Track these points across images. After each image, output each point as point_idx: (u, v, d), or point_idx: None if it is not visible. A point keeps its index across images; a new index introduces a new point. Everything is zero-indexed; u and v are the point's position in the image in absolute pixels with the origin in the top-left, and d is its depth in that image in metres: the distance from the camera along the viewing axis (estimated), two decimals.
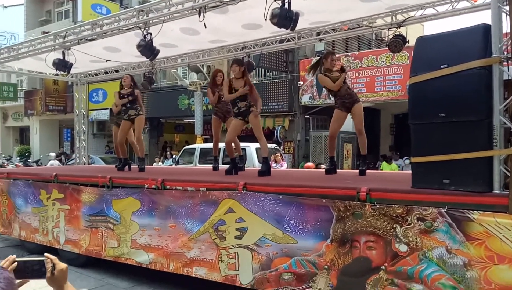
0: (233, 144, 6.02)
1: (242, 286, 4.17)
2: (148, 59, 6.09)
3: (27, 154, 22.66)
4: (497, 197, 3.02)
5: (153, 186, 4.97)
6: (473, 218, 3.00)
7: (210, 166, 7.13)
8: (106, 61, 7.81)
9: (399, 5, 5.62)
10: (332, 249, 3.63)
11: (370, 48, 15.09)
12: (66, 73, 7.30)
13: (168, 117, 18.84)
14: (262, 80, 15.22)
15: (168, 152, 15.22)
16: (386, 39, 6.66)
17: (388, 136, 16.19)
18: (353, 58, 12.99)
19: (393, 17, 5.96)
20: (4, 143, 26.42)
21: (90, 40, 6.34)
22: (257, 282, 4.05)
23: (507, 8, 3.12)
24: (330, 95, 5.57)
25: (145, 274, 5.30)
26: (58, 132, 24.49)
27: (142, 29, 5.43)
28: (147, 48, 5.48)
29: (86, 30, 6.31)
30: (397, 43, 5.99)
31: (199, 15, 4.86)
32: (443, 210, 3.11)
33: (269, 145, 9.36)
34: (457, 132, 3.19)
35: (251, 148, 9.92)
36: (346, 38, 11.75)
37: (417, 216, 3.22)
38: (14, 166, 16.15)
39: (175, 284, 5.04)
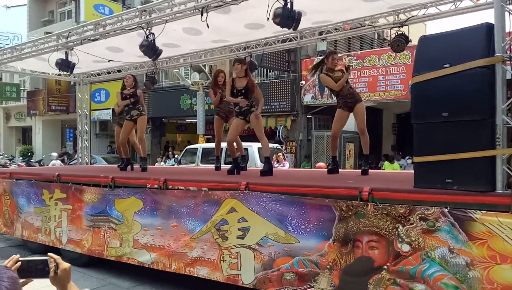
0: (235, 144, 6.01)
1: (244, 286, 4.16)
2: (150, 59, 6.10)
3: (29, 154, 22.72)
4: (499, 197, 3.01)
5: (156, 186, 4.98)
6: (476, 217, 3.00)
7: (212, 166, 7.14)
8: (109, 61, 7.82)
9: (402, 4, 5.61)
10: (334, 248, 3.63)
11: (372, 48, 15.07)
12: (69, 73, 7.32)
13: (170, 117, 18.85)
14: (264, 80, 15.22)
15: (170, 152, 15.24)
16: (389, 39, 6.64)
17: (390, 135, 16.16)
18: (355, 58, 12.97)
19: (396, 16, 5.95)
20: (7, 143, 26.51)
21: (93, 40, 6.36)
22: (259, 282, 4.05)
23: (510, 7, 3.11)
24: (332, 95, 5.56)
25: (147, 274, 5.31)
26: (61, 132, 24.54)
27: (145, 29, 5.44)
28: (150, 48, 5.49)
29: (89, 30, 6.33)
30: (400, 43, 5.98)
31: (202, 15, 4.87)
32: (446, 210, 3.11)
33: (271, 145, 9.37)
34: (460, 132, 3.18)
35: (253, 148, 9.92)
36: (348, 37, 11.73)
37: (420, 215, 3.21)
38: (16, 166, 16.18)
39: (177, 284, 5.05)
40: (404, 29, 6.07)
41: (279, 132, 14.30)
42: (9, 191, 6.87)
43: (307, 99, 13.91)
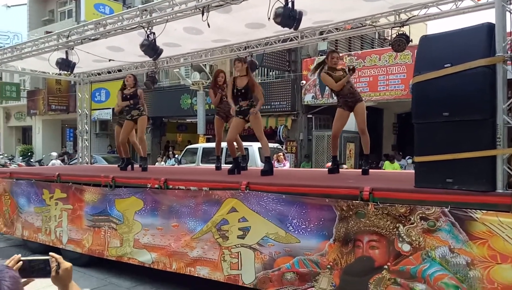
0: (235, 144, 6.01)
1: (245, 285, 4.16)
2: (151, 59, 6.10)
3: (29, 153, 22.73)
4: (500, 197, 3.01)
5: (156, 186, 4.98)
6: (476, 217, 3.00)
7: (212, 166, 7.14)
8: (109, 60, 7.82)
9: (403, 4, 5.61)
10: (335, 248, 3.63)
11: (373, 47, 15.07)
12: (69, 72, 7.32)
13: (170, 117, 18.86)
14: (264, 80, 15.21)
15: (171, 152, 15.24)
16: (389, 38, 6.64)
17: (390, 135, 16.16)
18: (356, 58, 12.97)
19: (397, 16, 5.95)
20: (7, 143, 26.52)
21: (94, 39, 6.36)
22: (260, 282, 4.05)
23: (511, 7, 3.11)
24: (333, 94, 5.57)
25: (148, 274, 5.31)
26: (61, 132, 24.55)
27: (146, 29, 5.44)
28: (151, 48, 5.49)
29: (89, 29, 6.33)
30: (400, 42, 5.98)
31: (203, 14, 4.87)
32: (446, 210, 3.11)
33: (271, 145, 9.37)
34: (461, 131, 3.18)
35: (254, 147, 9.92)
36: (349, 37, 11.75)
37: (420, 215, 3.21)
38: (16, 165, 16.18)
39: (178, 283, 5.05)
40: (405, 29, 6.07)
41: (279, 131, 14.30)
42: (9, 191, 6.87)
43: (308, 98, 13.91)
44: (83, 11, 18.32)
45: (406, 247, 3.28)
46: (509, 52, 3.11)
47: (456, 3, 5.48)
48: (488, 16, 3.73)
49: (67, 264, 1.51)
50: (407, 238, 3.27)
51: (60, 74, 9.39)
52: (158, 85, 13.48)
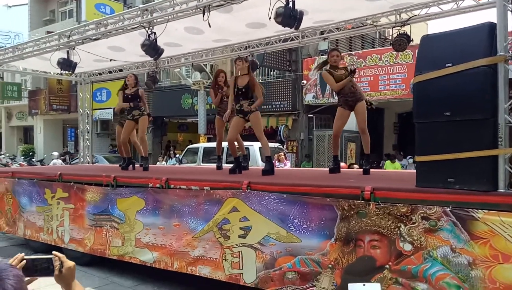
0: (236, 143, 6.02)
1: (246, 285, 4.17)
2: (152, 59, 6.10)
3: (31, 153, 22.76)
4: (502, 196, 3.01)
5: (157, 185, 4.98)
6: (478, 217, 2.99)
7: (213, 165, 7.14)
8: (110, 60, 7.83)
9: (404, 3, 5.60)
10: (336, 248, 3.63)
11: (374, 47, 15.06)
12: (70, 72, 7.33)
13: (171, 117, 18.87)
14: (265, 79, 15.22)
15: (172, 152, 15.25)
16: (390, 38, 6.65)
17: (391, 135, 16.16)
18: (356, 57, 12.96)
19: (397, 15, 5.95)
20: (8, 143, 26.55)
21: (95, 39, 6.37)
22: (261, 281, 4.05)
23: None
24: (334, 94, 5.56)
25: (150, 273, 5.32)
26: (62, 132, 24.58)
27: (147, 29, 5.44)
28: (152, 48, 5.49)
29: (90, 29, 6.34)
30: (401, 42, 5.98)
31: (204, 14, 4.87)
32: (448, 209, 3.11)
33: (272, 144, 9.37)
34: (462, 131, 3.18)
35: (255, 147, 9.92)
36: (350, 37, 11.74)
37: (422, 215, 3.21)
38: (18, 165, 16.21)
39: (179, 283, 5.06)
40: (406, 29, 6.06)
41: (280, 131, 14.30)
42: (11, 190, 6.88)
43: (309, 98, 13.91)
44: (84, 11, 18.35)
45: (407, 247, 3.28)
46: (510, 51, 3.11)
47: (457, 2, 5.47)
48: (489, 15, 3.73)
49: (70, 263, 1.52)
50: (408, 238, 3.27)
51: (61, 74, 9.41)
52: (159, 85, 13.51)
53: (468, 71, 3.12)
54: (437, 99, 3.31)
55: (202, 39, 6.66)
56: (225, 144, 6.82)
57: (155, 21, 5.46)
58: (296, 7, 4.31)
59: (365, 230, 3.48)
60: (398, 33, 6.03)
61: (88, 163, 10.15)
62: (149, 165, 7.31)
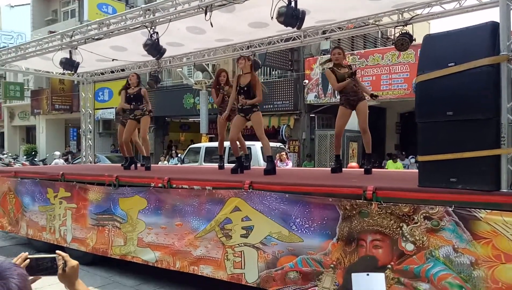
0: (238, 143, 6.02)
1: (248, 284, 4.17)
2: (154, 58, 6.11)
3: (33, 153, 22.81)
4: (504, 196, 3.01)
5: (159, 185, 4.99)
6: (480, 217, 2.99)
7: (215, 165, 7.14)
8: (113, 60, 7.84)
9: (406, 3, 5.60)
10: (338, 247, 3.63)
11: (376, 47, 15.05)
12: (72, 72, 7.34)
13: (173, 116, 18.90)
14: (267, 79, 15.22)
15: (174, 151, 15.27)
16: (392, 37, 6.63)
17: (393, 134, 16.14)
18: (359, 57, 12.96)
19: (400, 15, 5.93)
20: (11, 142, 26.62)
21: (97, 39, 6.38)
22: (263, 281, 4.05)
23: None
24: (336, 93, 5.56)
25: (152, 272, 5.32)
26: (64, 131, 24.64)
27: (149, 28, 5.45)
28: (154, 47, 5.50)
29: (93, 29, 6.35)
30: (404, 41, 5.96)
31: (206, 14, 4.88)
32: (450, 209, 3.10)
33: (274, 144, 9.37)
34: (465, 131, 3.17)
35: (256, 147, 9.92)
36: (352, 36, 11.72)
37: (424, 214, 3.21)
38: (20, 165, 16.25)
39: (181, 282, 5.06)
40: (408, 28, 6.05)
41: (282, 131, 14.30)
42: (14, 190, 6.90)
43: (310, 98, 13.91)
44: (86, 11, 18.39)
45: (409, 247, 3.27)
46: None
47: (460, 1, 5.45)
48: (492, 15, 3.73)
49: (73, 262, 1.53)
50: (410, 238, 3.26)
51: (63, 74, 9.43)
52: (161, 84, 13.53)
53: (470, 71, 3.12)
54: (439, 98, 3.30)
55: (204, 38, 6.66)
56: (227, 143, 6.82)
57: (157, 20, 5.46)
58: (298, 7, 4.30)
59: (367, 230, 3.47)
60: (400, 32, 6.01)
61: (90, 162, 10.17)
62: (151, 165, 7.32)
